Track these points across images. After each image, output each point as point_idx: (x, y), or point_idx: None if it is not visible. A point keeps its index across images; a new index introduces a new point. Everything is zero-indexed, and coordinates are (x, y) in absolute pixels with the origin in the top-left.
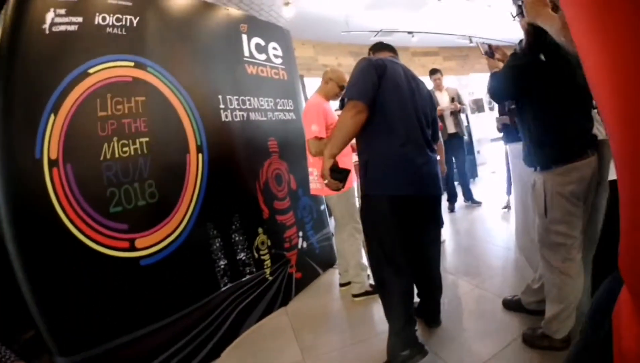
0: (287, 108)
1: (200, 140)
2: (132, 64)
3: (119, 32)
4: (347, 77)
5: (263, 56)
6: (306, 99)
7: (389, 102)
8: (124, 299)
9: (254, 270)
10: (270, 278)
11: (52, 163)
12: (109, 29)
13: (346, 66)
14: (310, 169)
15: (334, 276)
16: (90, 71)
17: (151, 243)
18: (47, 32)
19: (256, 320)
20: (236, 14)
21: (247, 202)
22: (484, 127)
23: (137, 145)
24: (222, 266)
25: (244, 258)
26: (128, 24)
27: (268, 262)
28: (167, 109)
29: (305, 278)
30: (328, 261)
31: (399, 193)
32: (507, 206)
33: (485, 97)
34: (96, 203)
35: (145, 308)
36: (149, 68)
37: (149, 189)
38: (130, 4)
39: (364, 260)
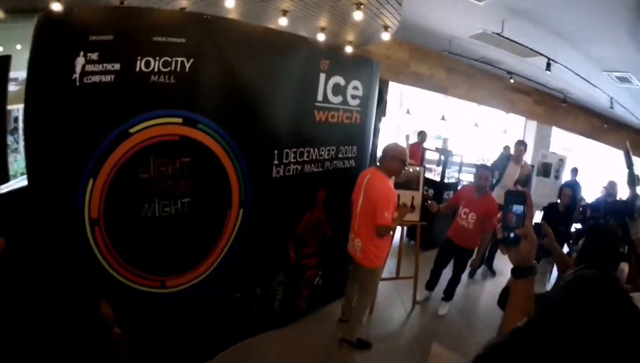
0: (349, 155)
1: (245, 196)
2: (180, 120)
3: (166, 80)
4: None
5: (339, 99)
6: (379, 117)
7: None
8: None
9: (263, 304)
10: (278, 309)
11: (93, 222)
12: (154, 77)
13: (438, 78)
14: (353, 236)
15: (337, 308)
16: (132, 130)
17: (180, 282)
18: (77, 83)
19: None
20: (319, 47)
21: (275, 249)
22: (543, 194)
23: (179, 205)
24: (238, 296)
25: (259, 292)
26: (178, 68)
27: (279, 296)
28: (215, 169)
29: (310, 306)
30: (337, 294)
31: None
32: None
33: (555, 164)
34: (133, 255)
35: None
36: (200, 125)
37: (184, 245)
38: (182, 40)
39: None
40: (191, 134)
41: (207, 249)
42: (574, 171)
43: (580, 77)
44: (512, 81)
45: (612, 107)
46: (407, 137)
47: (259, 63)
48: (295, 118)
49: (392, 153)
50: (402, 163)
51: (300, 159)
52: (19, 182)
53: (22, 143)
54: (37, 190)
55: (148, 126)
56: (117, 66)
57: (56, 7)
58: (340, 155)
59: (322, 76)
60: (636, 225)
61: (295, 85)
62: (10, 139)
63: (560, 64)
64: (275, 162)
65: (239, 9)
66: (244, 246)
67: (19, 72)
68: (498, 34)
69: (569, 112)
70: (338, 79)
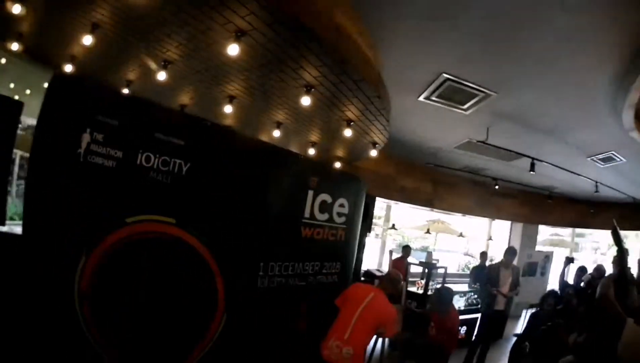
0: (333, 271)
1: (230, 302)
2: (173, 221)
3: (163, 180)
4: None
5: (325, 216)
6: (364, 232)
7: None
8: None
9: None
10: None
11: (83, 295)
12: (152, 174)
13: (424, 192)
14: (339, 343)
15: None
16: (129, 219)
17: None
18: (81, 158)
19: None
20: (308, 164)
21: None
22: (529, 292)
23: (164, 301)
24: None
25: None
26: (176, 169)
27: None
28: (203, 272)
29: None
30: None
31: None
32: None
33: (540, 262)
34: (118, 337)
35: None
36: (192, 229)
37: (166, 339)
38: (182, 143)
39: None
40: (182, 235)
41: (188, 347)
42: (581, 271)
43: (565, 169)
44: (497, 187)
45: (597, 191)
46: (391, 253)
47: (252, 175)
48: (283, 233)
49: (397, 284)
50: (398, 292)
51: (284, 273)
52: (14, 226)
53: (14, 187)
54: (31, 249)
55: (143, 219)
56: (119, 154)
57: (68, 68)
58: (324, 270)
59: (310, 193)
60: (632, 295)
61: (284, 200)
62: None
63: (544, 161)
64: (261, 273)
65: (237, 115)
66: (225, 349)
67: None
68: (483, 142)
69: (554, 207)
70: (325, 197)
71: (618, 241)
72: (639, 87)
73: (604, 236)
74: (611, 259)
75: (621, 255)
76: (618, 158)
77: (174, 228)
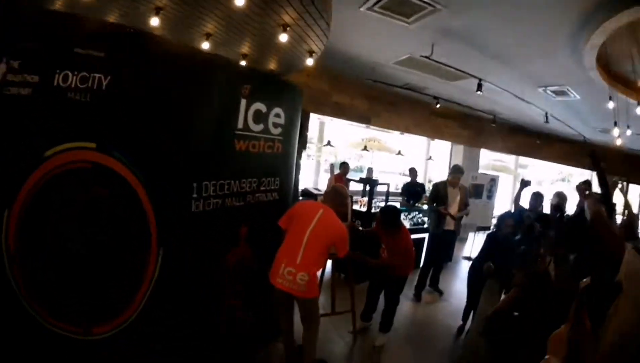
0: (271, 188)
1: (164, 233)
2: (93, 145)
3: (82, 99)
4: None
5: (260, 127)
6: (300, 150)
7: None
8: None
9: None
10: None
11: (12, 258)
12: (70, 94)
13: (361, 108)
14: (291, 269)
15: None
16: (47, 153)
17: (104, 330)
18: None
19: None
20: (239, 70)
21: (200, 290)
22: (476, 214)
23: (96, 242)
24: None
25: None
26: (95, 85)
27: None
28: (131, 202)
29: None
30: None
31: None
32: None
33: (487, 185)
34: (52, 296)
35: None
36: (113, 151)
37: (104, 287)
38: (102, 55)
39: None
40: (105, 161)
41: (130, 293)
42: (537, 196)
43: (514, 95)
44: (438, 106)
45: (547, 122)
46: (332, 166)
47: (178, 85)
48: (215, 147)
49: (344, 198)
50: (345, 207)
51: (220, 193)
52: None
53: None
54: None
55: (63, 149)
56: (35, 78)
57: None
58: (262, 187)
59: (243, 102)
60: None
61: (215, 111)
62: None
63: (493, 83)
64: (195, 195)
65: (163, 30)
66: (167, 288)
67: None
68: (427, 57)
69: (497, 132)
70: (259, 106)
71: (604, 181)
72: (604, 32)
73: (548, 169)
74: (574, 187)
75: (606, 191)
76: (572, 93)
77: (94, 153)
